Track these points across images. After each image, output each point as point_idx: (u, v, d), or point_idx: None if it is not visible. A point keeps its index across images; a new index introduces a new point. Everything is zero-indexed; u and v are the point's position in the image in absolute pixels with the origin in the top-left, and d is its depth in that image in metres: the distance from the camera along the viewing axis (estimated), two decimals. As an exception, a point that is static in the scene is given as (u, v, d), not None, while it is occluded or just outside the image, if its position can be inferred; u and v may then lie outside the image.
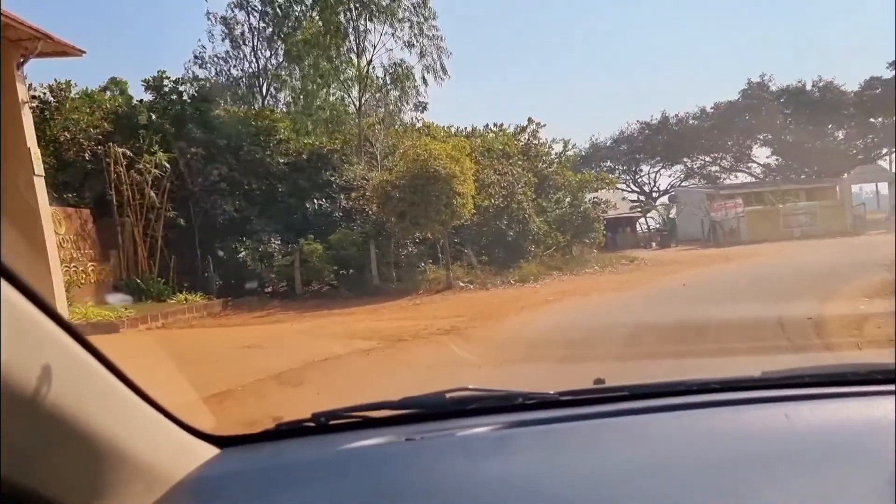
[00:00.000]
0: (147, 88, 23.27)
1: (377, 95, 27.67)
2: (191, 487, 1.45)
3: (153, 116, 22.87)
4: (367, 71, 27.10)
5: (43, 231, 13.48)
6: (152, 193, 19.29)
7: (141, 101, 23.32)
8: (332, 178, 23.10)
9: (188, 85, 23.66)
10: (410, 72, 28.03)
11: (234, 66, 40.55)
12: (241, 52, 40.58)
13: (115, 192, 19.09)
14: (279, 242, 21.34)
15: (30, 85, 16.34)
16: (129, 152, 19.36)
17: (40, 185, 13.72)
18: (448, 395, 1.80)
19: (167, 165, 19.87)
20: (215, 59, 40.09)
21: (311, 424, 1.79)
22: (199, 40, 55.07)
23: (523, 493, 1.36)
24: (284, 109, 30.27)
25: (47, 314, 1.05)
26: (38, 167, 13.69)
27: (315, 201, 22.27)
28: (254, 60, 40.26)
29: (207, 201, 21.20)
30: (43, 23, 14.25)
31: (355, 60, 27.00)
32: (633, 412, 1.74)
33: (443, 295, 19.36)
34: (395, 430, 1.75)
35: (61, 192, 19.90)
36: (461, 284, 20.67)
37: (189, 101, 23.48)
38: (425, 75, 28.39)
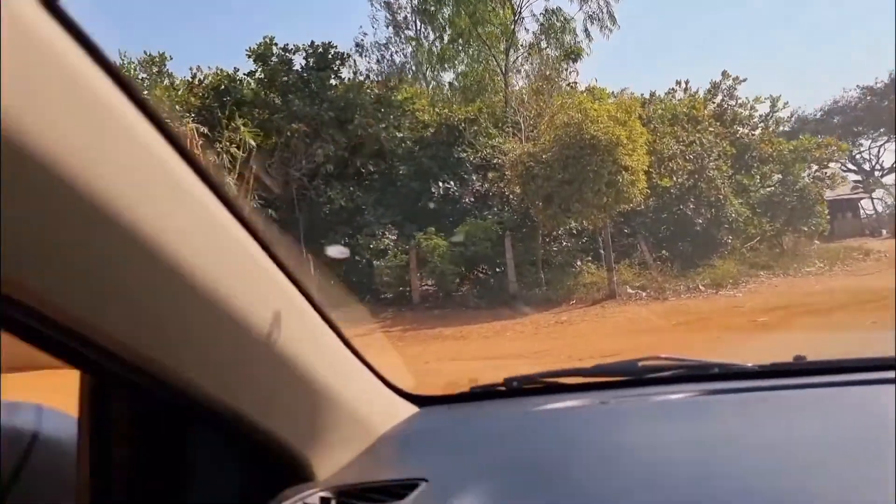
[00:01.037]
0: (253, 58, 19.74)
1: (527, 55, 22.54)
2: (394, 441, 1.54)
3: (261, 90, 19.42)
4: (516, 24, 22.09)
5: None
6: (229, 179, 15.55)
7: (250, 73, 19.86)
8: (465, 155, 18.41)
9: (301, 53, 19.81)
10: (569, 23, 22.64)
11: (397, 52, 37.53)
12: (403, 37, 37.90)
13: (194, 177, 15.52)
14: (395, 237, 17.02)
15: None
16: (202, 128, 15.73)
17: None
18: (640, 364, 1.78)
19: (252, 144, 16.09)
20: (376, 45, 37.22)
21: (504, 388, 1.83)
22: (361, 27, 52.71)
23: (719, 458, 1.30)
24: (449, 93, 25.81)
25: (273, 260, 1.06)
26: None
27: (441, 184, 17.67)
28: (417, 45, 37.54)
29: (310, 188, 17.26)
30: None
31: (501, 12, 22.06)
32: (836, 385, 1.65)
33: (602, 308, 14.07)
34: (587, 395, 1.76)
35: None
36: (629, 291, 15.23)
37: (300, 70, 19.68)
38: (588, 27, 22.91)
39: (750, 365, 1.75)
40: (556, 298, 15.15)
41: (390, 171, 18.51)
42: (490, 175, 17.80)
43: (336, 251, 16.15)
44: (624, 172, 14.94)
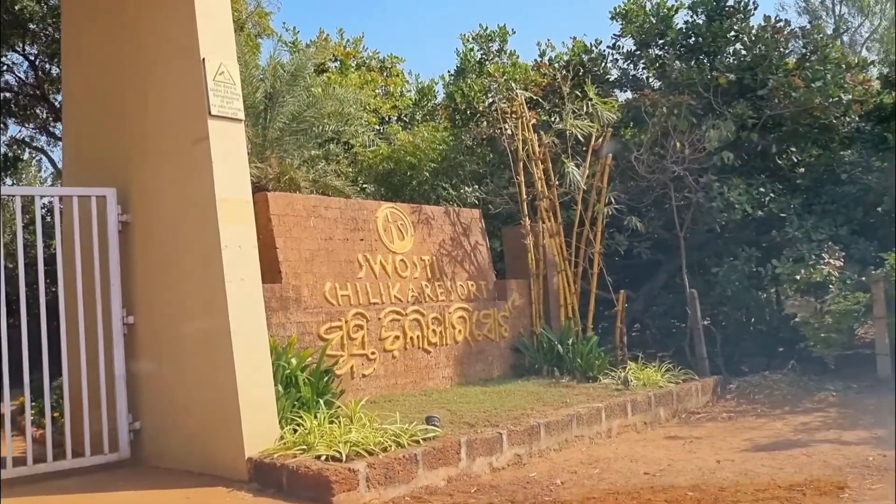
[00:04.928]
0: (618, 17, 14.47)
1: None
2: None
3: (627, 62, 14.21)
4: None
5: (217, 229, 5.75)
6: (575, 170, 10.45)
7: (615, 44, 14.66)
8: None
9: (685, 10, 13.99)
10: None
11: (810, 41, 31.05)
12: (819, 23, 31.28)
13: (525, 176, 10.80)
14: (841, 262, 10.34)
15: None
16: (528, 96, 10.93)
17: (225, 135, 6.04)
18: None
19: (610, 116, 10.88)
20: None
21: None
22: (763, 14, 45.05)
23: None
24: None
25: None
26: (223, 100, 6.03)
27: (925, 174, 10.41)
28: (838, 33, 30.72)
29: (697, 188, 11.41)
30: None
31: None
32: None
33: None
34: None
35: (461, 185, 12.74)
36: None
37: (683, 28, 13.86)
38: None
39: None
40: None
41: (828, 159, 11.76)
42: None
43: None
44: None
